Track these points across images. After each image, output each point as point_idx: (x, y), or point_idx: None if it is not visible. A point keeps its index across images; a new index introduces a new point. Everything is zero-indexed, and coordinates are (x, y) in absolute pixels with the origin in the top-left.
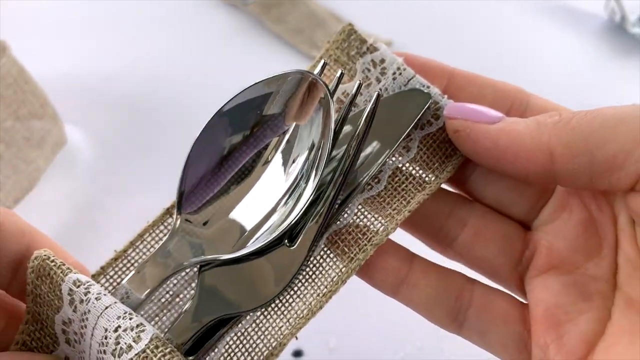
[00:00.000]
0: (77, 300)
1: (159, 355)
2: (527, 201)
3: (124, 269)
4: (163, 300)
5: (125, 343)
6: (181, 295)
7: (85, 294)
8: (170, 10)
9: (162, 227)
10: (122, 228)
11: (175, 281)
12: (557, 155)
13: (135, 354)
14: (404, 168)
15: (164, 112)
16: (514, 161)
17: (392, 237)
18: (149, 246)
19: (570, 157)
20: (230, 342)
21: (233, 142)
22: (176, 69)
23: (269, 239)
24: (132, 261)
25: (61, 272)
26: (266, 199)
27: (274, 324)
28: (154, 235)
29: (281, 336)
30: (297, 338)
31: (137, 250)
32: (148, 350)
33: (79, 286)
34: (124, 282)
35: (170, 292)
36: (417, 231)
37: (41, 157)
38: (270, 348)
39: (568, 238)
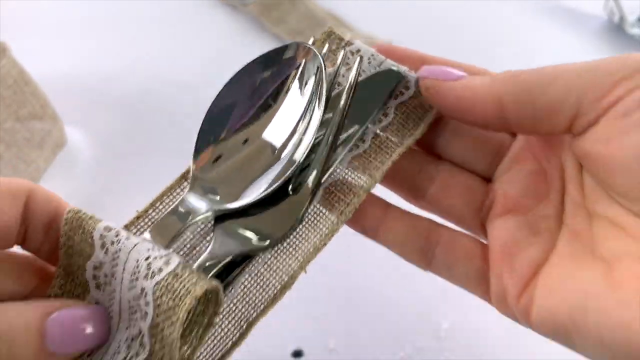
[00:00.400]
0: (108, 243)
1: (187, 273)
2: (486, 158)
3: (145, 227)
4: (181, 252)
5: (157, 267)
6: (197, 248)
7: (116, 236)
8: (170, 11)
9: (178, 190)
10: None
11: (191, 235)
12: (505, 104)
13: (167, 274)
14: (383, 132)
15: (163, 113)
16: (473, 111)
17: (373, 192)
18: (167, 207)
19: (516, 104)
20: (245, 282)
21: (244, 103)
22: (176, 69)
23: (275, 186)
24: (153, 220)
25: (92, 222)
26: (272, 152)
27: (283, 262)
28: (172, 197)
29: (291, 271)
30: (305, 272)
31: (157, 210)
32: (178, 270)
33: (109, 231)
34: (145, 233)
35: (188, 245)
36: (394, 186)
37: (41, 157)
38: (282, 282)
39: (520, 186)
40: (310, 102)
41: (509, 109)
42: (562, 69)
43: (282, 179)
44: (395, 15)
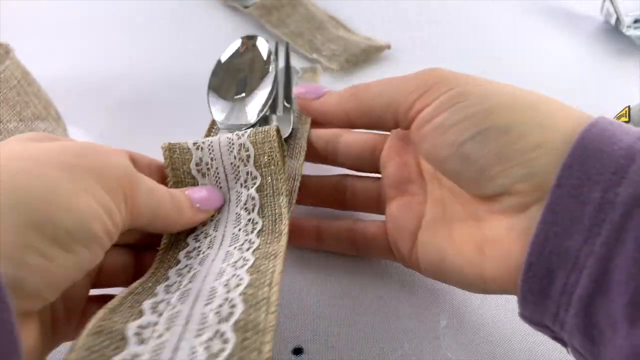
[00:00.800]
0: (200, 144)
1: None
2: (368, 162)
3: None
4: None
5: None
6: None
7: (204, 141)
8: (171, 12)
9: (212, 134)
10: None
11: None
12: (350, 115)
13: (250, 132)
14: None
15: (165, 113)
16: (331, 120)
17: None
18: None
19: (357, 115)
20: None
21: (233, 74)
22: (177, 70)
23: (266, 109)
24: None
25: (183, 142)
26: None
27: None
28: (214, 130)
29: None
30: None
31: (212, 134)
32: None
33: (198, 140)
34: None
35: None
36: (312, 157)
37: None
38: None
39: (394, 176)
40: (269, 71)
41: (353, 117)
42: (385, 87)
43: (268, 104)
44: (394, 17)
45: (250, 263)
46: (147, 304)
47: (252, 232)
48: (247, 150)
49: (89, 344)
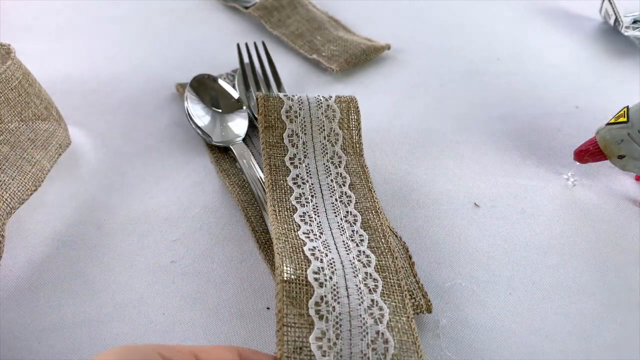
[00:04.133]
0: (290, 96)
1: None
2: None
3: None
4: None
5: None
6: None
7: (294, 95)
8: (172, 13)
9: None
10: (126, 228)
11: None
12: None
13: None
14: None
15: (166, 114)
16: None
17: None
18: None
19: None
20: None
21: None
22: (178, 71)
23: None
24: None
25: (275, 94)
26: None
27: None
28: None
29: None
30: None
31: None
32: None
33: (288, 94)
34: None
35: None
36: None
37: (45, 158)
38: None
39: None
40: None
41: None
42: None
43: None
44: (394, 19)
45: (359, 220)
46: (307, 251)
47: (344, 185)
48: (334, 111)
49: (287, 291)
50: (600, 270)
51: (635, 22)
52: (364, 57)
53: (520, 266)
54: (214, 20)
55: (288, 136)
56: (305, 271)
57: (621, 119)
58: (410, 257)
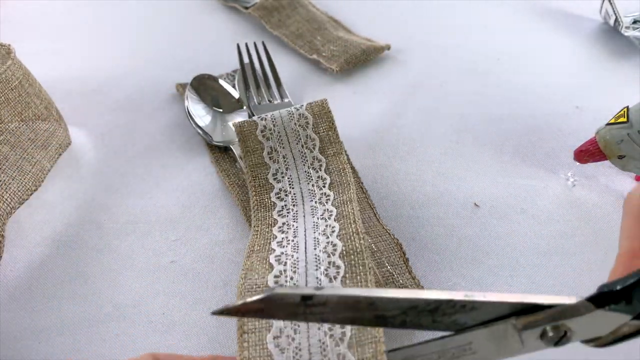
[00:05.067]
0: (263, 116)
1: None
2: None
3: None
4: None
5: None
6: None
7: (267, 114)
8: (172, 13)
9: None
10: (126, 228)
11: None
12: None
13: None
14: None
15: (166, 114)
16: None
17: None
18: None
19: None
20: None
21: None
22: (178, 71)
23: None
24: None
25: (249, 118)
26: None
27: None
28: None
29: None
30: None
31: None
32: None
33: (261, 115)
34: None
35: None
36: None
37: (46, 158)
38: None
39: None
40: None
41: None
42: None
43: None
44: (394, 19)
45: (334, 213)
46: (272, 258)
47: (324, 186)
48: (306, 118)
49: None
50: (600, 270)
51: (635, 22)
52: (364, 57)
53: (520, 266)
54: (214, 20)
55: (268, 154)
56: (267, 277)
57: (621, 119)
58: (404, 254)
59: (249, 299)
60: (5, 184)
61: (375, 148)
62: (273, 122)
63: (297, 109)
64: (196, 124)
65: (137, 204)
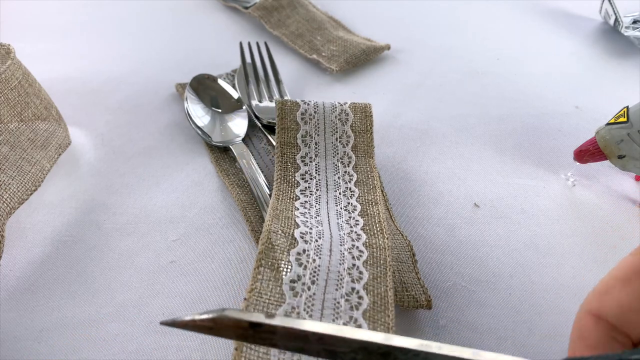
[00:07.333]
0: (307, 101)
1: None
2: None
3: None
4: None
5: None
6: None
7: (311, 100)
8: (172, 13)
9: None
10: (126, 228)
11: None
12: None
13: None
14: None
15: (166, 114)
16: None
17: None
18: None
19: None
20: None
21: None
22: (178, 71)
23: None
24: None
25: (295, 107)
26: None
27: None
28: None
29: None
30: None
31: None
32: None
33: (306, 110)
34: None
35: None
36: None
37: (45, 158)
38: None
39: None
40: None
41: None
42: None
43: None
44: (394, 19)
45: (359, 209)
46: (297, 233)
47: (350, 181)
48: (348, 115)
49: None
50: (600, 270)
51: (635, 22)
52: (364, 57)
53: (520, 266)
54: (214, 20)
55: (302, 136)
56: (294, 232)
57: (621, 119)
58: (413, 255)
59: (198, 317)
60: (5, 184)
61: (375, 148)
62: (315, 109)
63: (341, 104)
64: (195, 124)
65: (137, 204)
